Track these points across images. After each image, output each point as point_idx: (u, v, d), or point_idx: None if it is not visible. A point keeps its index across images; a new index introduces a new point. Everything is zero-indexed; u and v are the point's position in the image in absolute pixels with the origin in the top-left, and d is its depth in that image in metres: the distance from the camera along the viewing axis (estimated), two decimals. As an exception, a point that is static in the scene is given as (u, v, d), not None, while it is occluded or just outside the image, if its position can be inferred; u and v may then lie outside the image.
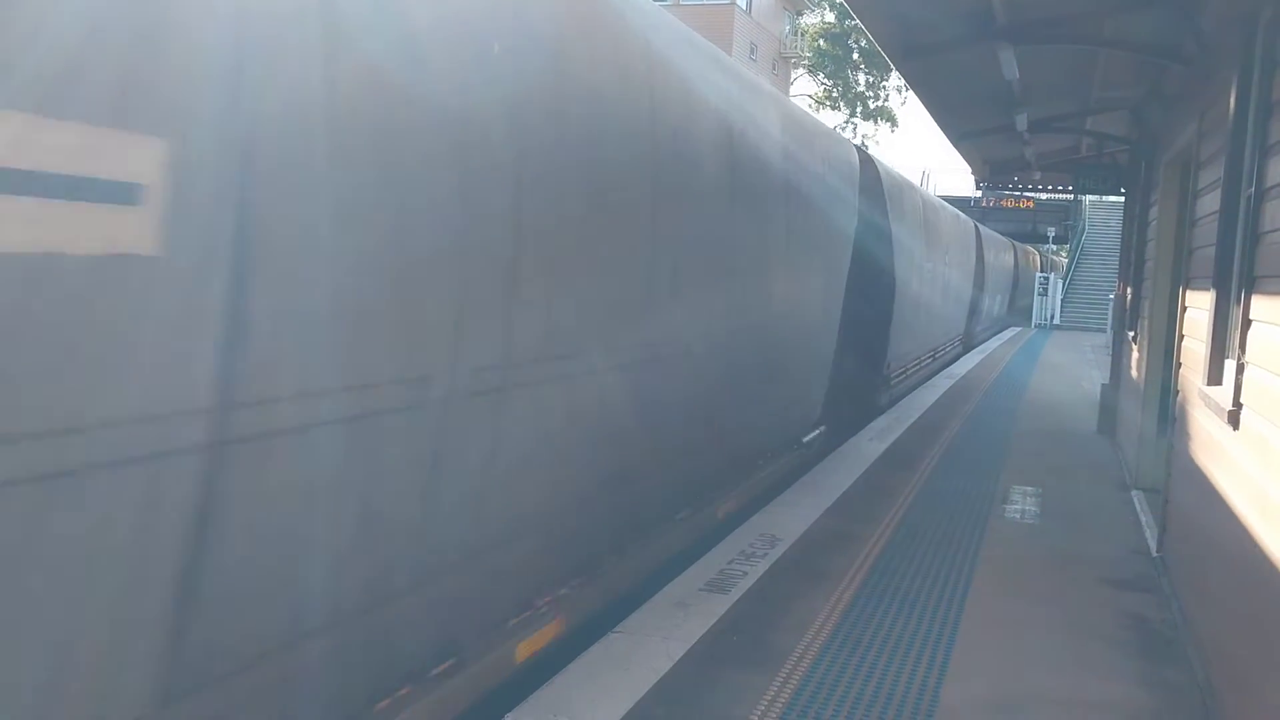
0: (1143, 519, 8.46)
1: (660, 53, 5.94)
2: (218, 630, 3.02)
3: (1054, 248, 49.28)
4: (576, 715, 4.43)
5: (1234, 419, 4.84)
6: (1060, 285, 39.94)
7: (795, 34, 52.85)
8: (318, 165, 3.17)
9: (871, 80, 51.51)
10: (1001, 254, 33.90)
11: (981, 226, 29.45)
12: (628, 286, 5.64)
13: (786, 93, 48.61)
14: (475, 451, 4.27)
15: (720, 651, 5.23)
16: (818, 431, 10.81)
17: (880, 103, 52.32)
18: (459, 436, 4.13)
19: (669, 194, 6.02)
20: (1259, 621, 4.15)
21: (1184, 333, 7.12)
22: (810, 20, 53.33)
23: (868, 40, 37.43)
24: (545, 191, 4.55)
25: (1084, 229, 41.73)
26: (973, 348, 26.61)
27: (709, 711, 4.59)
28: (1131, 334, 11.44)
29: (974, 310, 26.59)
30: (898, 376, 15.80)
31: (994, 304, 32.33)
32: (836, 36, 50.00)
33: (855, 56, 50.30)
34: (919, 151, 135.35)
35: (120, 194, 2.51)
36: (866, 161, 13.00)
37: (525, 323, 4.50)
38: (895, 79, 48.03)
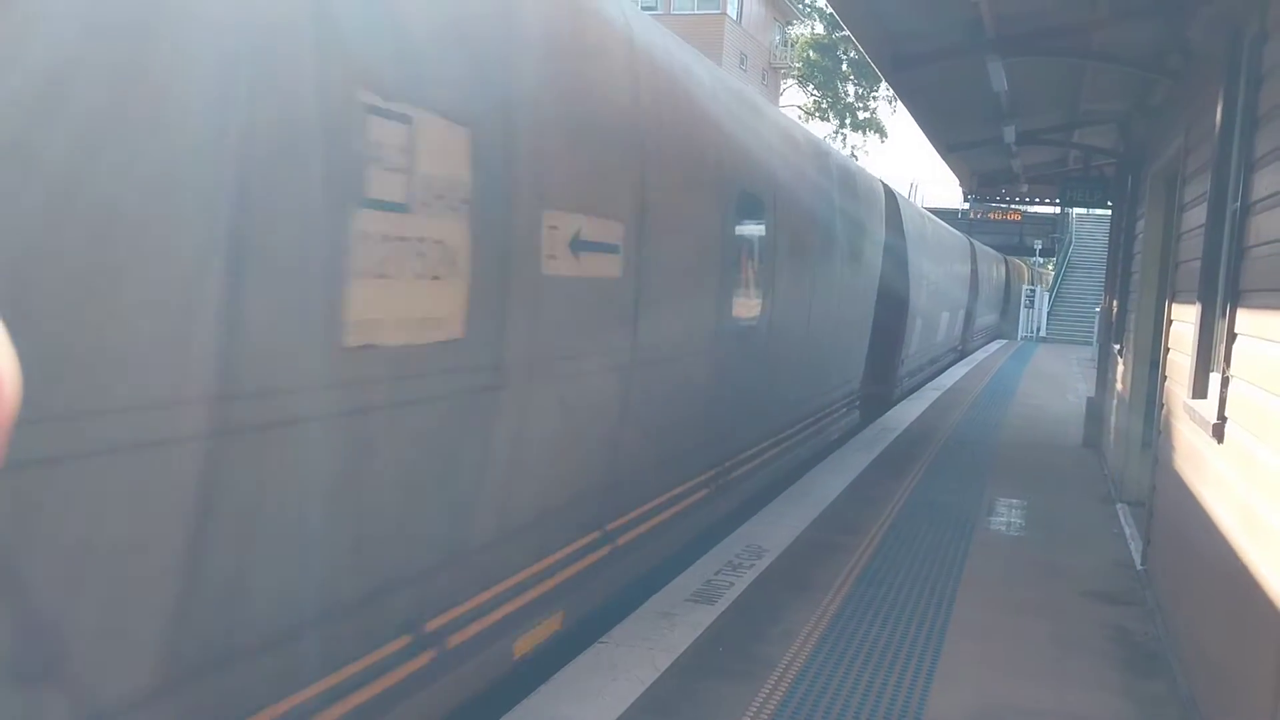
0: (1127, 531, 8.47)
1: None
2: None
3: (1041, 260, 49.47)
4: (560, 725, 4.41)
5: (1219, 432, 4.85)
6: (1046, 298, 40.10)
7: (785, 44, 53.01)
8: None
9: (861, 91, 51.67)
10: (950, 261, 22.65)
11: (909, 206, 17.68)
12: None
13: (776, 102, 48.75)
14: None
15: (706, 662, 5.22)
16: None
17: (869, 114, 52.53)
18: None
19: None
20: (1241, 636, 4.16)
21: (1170, 346, 7.15)
22: (800, 31, 53.51)
23: (857, 51, 37.60)
24: None
25: (1071, 242, 41.91)
26: (895, 402, 16.15)
27: (693, 722, 4.58)
28: (1117, 347, 11.48)
29: (890, 345, 15.14)
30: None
31: (936, 331, 20.82)
32: (826, 47, 50.14)
33: (845, 67, 50.46)
34: (908, 163, 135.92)
35: None
36: None
37: None
38: (884, 90, 48.12)
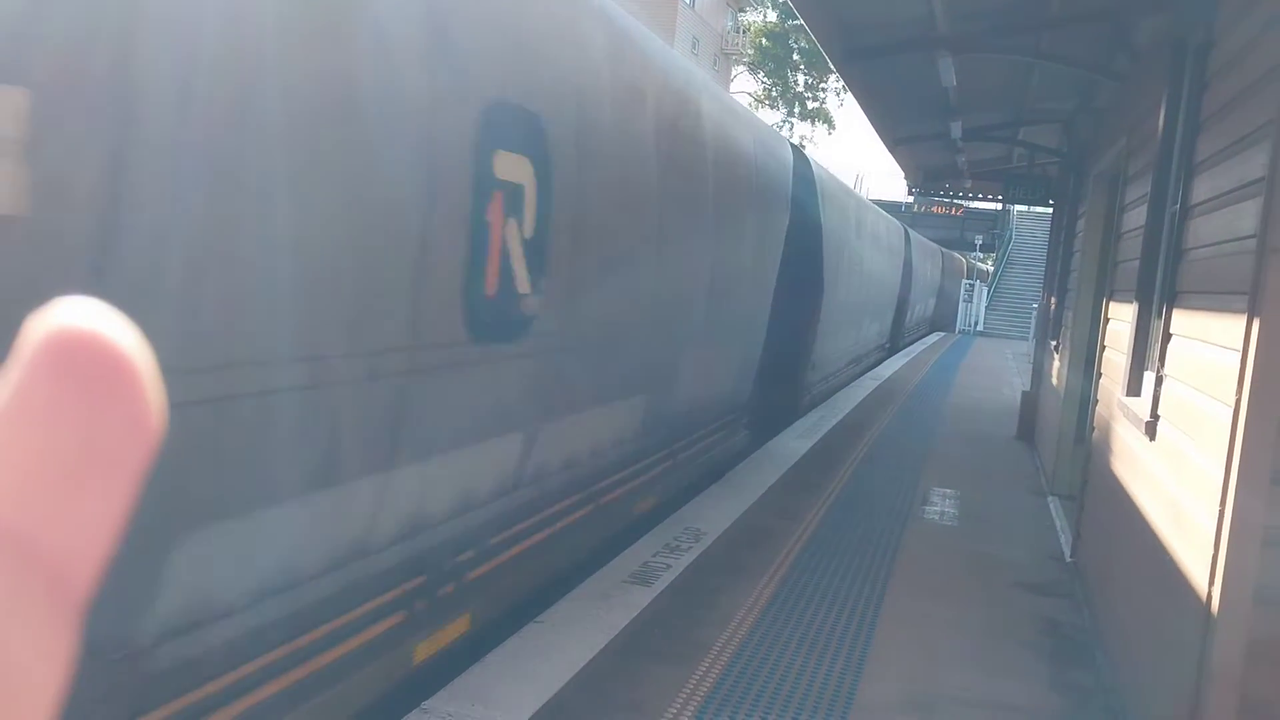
0: (1058, 524, 8.64)
1: None
2: None
3: (981, 255, 50.20)
4: (495, 703, 4.40)
5: (1151, 430, 4.95)
6: (985, 292, 40.67)
7: (737, 31, 53.07)
8: None
9: (811, 81, 51.90)
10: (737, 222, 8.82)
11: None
12: None
13: (727, 88, 48.80)
14: None
15: (641, 644, 5.23)
16: None
17: (819, 104, 52.78)
18: None
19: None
20: (1166, 628, 4.25)
21: (1106, 344, 7.28)
22: (753, 18, 53.58)
23: (808, 41, 37.74)
24: None
25: (1011, 238, 42.56)
26: None
27: (628, 703, 4.59)
28: (1054, 343, 11.68)
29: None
30: None
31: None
32: (778, 36, 50.27)
33: (795, 57, 50.61)
34: (856, 155, 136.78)
35: None
36: None
37: None
38: (834, 81, 48.43)
